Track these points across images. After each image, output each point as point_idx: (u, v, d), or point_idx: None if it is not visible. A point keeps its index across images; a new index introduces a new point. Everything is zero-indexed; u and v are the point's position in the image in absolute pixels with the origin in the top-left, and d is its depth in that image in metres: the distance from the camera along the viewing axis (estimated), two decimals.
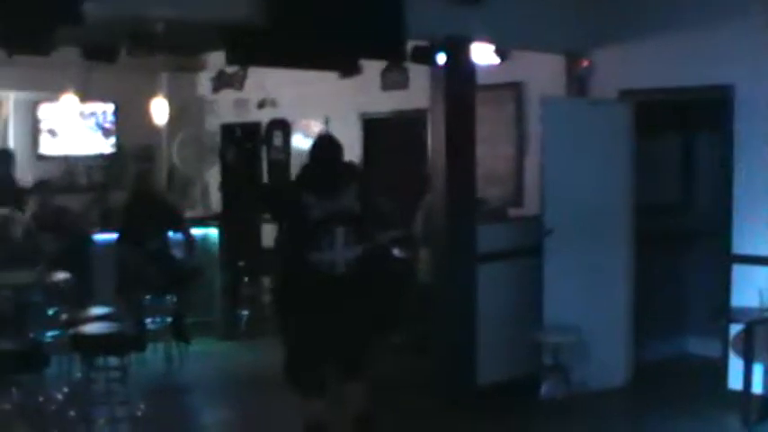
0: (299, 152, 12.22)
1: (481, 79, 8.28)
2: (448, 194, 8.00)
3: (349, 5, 6.92)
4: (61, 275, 8.10)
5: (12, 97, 12.68)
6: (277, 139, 12.69)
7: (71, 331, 7.43)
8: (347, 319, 6.42)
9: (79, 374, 7.73)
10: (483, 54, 8.27)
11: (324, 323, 6.34)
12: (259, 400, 8.24)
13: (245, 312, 11.08)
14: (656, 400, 8.13)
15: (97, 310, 8.21)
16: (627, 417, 8.06)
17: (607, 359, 8.22)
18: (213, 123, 13.58)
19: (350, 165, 8.04)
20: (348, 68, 8.13)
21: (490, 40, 8.17)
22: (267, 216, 9.74)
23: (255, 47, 6.89)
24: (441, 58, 7.79)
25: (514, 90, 9.52)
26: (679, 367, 9.21)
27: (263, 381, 6.68)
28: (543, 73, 9.24)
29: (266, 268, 10.92)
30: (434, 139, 8.19)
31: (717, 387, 8.05)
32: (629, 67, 8.62)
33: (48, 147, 12.92)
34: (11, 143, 12.71)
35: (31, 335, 8.24)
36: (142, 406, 7.55)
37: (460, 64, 7.97)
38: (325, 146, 6.73)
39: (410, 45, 7.68)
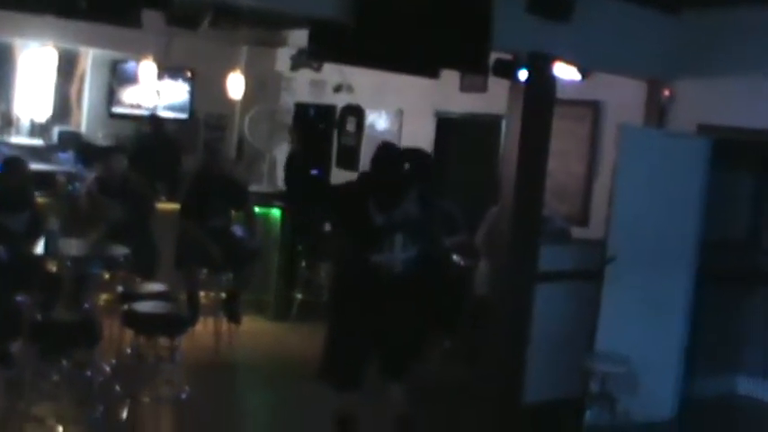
0: (372, 139, 12.29)
1: (559, 93, 8.19)
2: (515, 208, 7.92)
3: (435, 12, 6.88)
4: (121, 250, 8.09)
5: (90, 54, 12.79)
6: (350, 125, 12.72)
7: (125, 307, 7.50)
8: (396, 318, 6.48)
9: (128, 349, 7.84)
10: (564, 69, 8.19)
11: (372, 318, 6.40)
12: (301, 386, 8.24)
13: (299, 296, 11.10)
14: None
15: (152, 286, 8.28)
16: None
17: (655, 391, 8.14)
18: (288, 101, 13.64)
19: (417, 156, 8.02)
20: (428, 74, 8.08)
21: (574, 60, 8.09)
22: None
23: (338, 44, 6.89)
24: (522, 74, 7.71)
25: (592, 109, 9.44)
26: (728, 406, 9.10)
27: (308, 366, 6.70)
28: (623, 95, 9.15)
29: (324, 254, 10.96)
30: (507, 150, 8.12)
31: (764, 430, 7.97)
32: (710, 101, 8.49)
33: (121, 104, 13.03)
34: (85, 99, 12.85)
35: (86, 306, 8.33)
36: (187, 388, 7.62)
37: (541, 80, 7.88)
38: (388, 157, 6.75)
39: (492, 57, 7.63)
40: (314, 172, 12.94)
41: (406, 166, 6.96)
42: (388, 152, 6.85)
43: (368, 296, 6.37)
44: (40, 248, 7.56)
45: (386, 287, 6.38)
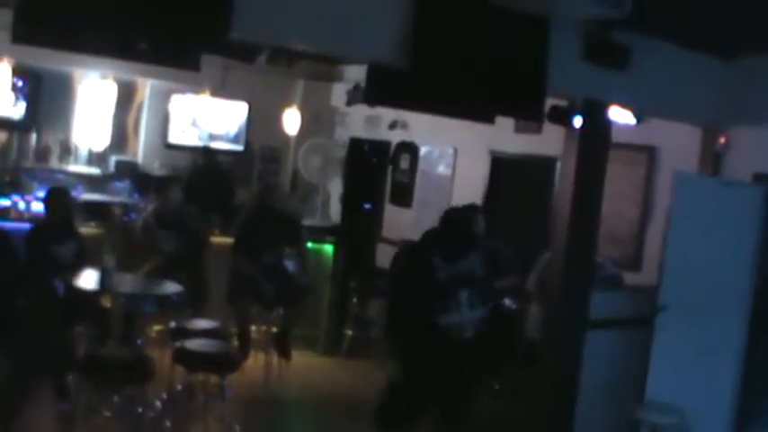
0: (426, 176, 12.33)
1: (614, 137, 8.16)
2: (568, 254, 7.92)
3: (492, 59, 6.90)
4: (173, 287, 8.15)
5: (148, 84, 12.95)
6: (404, 161, 12.74)
7: (176, 344, 7.57)
8: (461, 376, 6.50)
9: (179, 386, 7.91)
10: (620, 114, 8.18)
11: (438, 378, 6.41)
12: (350, 424, 8.26)
13: (350, 332, 11.13)
14: None
15: (204, 323, 8.35)
16: None
17: None
18: (342, 135, 13.69)
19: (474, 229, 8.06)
20: (483, 119, 8.11)
21: (629, 106, 8.07)
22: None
23: (394, 88, 6.92)
24: (577, 121, 7.72)
25: (647, 153, 9.39)
26: None
27: (359, 404, 6.72)
28: (679, 140, 9.10)
29: (376, 291, 10.99)
30: (561, 195, 8.11)
31: None
32: (766, 150, 8.42)
33: (177, 137, 13.16)
34: (142, 130, 13.01)
35: (138, 342, 8.42)
36: (237, 426, 7.66)
37: (596, 126, 7.89)
38: (460, 214, 6.80)
39: (548, 103, 7.64)
40: (367, 206, 13.00)
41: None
42: (459, 210, 6.93)
43: (436, 359, 6.37)
44: (94, 283, 7.64)
45: (458, 353, 6.39)
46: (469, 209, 9.32)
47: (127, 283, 8.03)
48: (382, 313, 10.17)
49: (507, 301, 9.06)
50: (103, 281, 7.56)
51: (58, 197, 8.65)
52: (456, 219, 6.77)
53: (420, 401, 6.43)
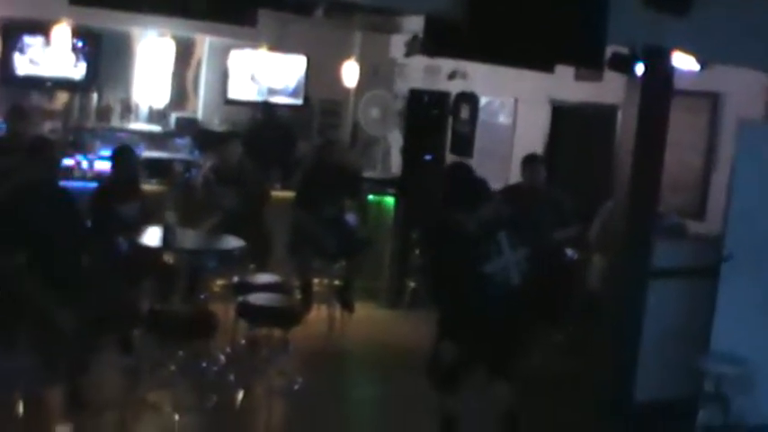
0: (486, 126, 12.27)
1: (677, 84, 8.04)
2: (630, 203, 7.85)
3: (550, 6, 6.81)
4: (235, 242, 8.16)
5: (206, 41, 12.98)
6: (464, 112, 12.68)
7: (239, 299, 7.61)
8: (510, 326, 6.46)
9: (243, 340, 7.99)
10: (682, 60, 8.04)
11: (486, 330, 6.37)
12: (412, 376, 8.20)
13: (412, 283, 11.11)
14: None
15: (266, 277, 8.38)
16: None
17: None
18: (402, 87, 13.64)
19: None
20: (542, 68, 8.02)
21: (691, 52, 7.93)
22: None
23: (452, 39, 6.87)
24: (638, 69, 7.61)
25: (710, 100, 9.25)
26: None
27: (421, 356, 6.71)
28: (743, 87, 8.91)
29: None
30: (623, 144, 8.03)
31: None
32: None
33: (236, 91, 13.19)
34: (201, 86, 13.06)
35: (202, 297, 8.49)
36: (300, 379, 7.72)
37: (658, 73, 7.77)
38: (461, 167, 6.82)
39: (608, 50, 7.53)
40: (427, 157, 12.95)
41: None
42: (460, 164, 6.92)
43: (483, 310, 6.33)
44: (157, 240, 7.70)
45: (502, 299, 6.34)
46: (532, 158, 9.30)
47: (189, 239, 8.07)
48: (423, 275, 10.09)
49: (569, 252, 9.01)
50: (166, 238, 7.61)
51: (123, 156, 8.67)
52: (455, 172, 6.76)
53: (467, 357, 6.39)
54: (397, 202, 11.34)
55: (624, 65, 7.69)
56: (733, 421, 7.71)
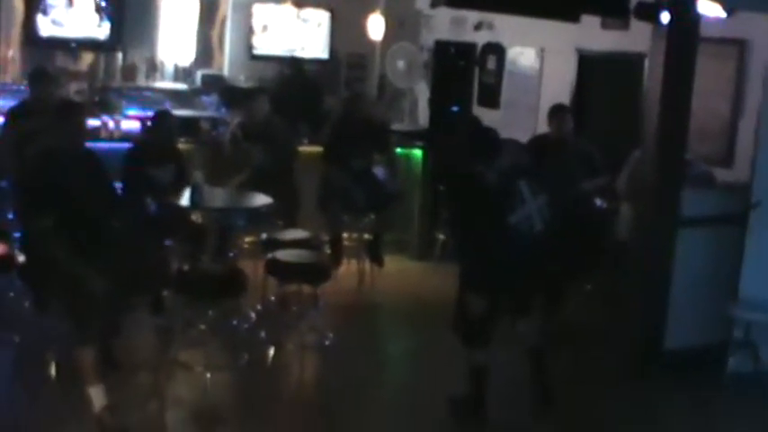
0: (513, 76, 12.22)
1: (703, 31, 7.95)
2: (658, 152, 7.81)
3: None
4: (263, 200, 8.11)
5: None
6: (491, 63, 12.64)
7: (268, 255, 7.66)
8: (535, 275, 6.51)
9: (273, 297, 8.04)
10: (709, 7, 7.97)
11: (512, 280, 6.42)
12: (443, 329, 8.26)
13: (442, 236, 11.11)
14: None
15: (295, 233, 8.42)
16: None
17: None
18: (428, 39, 13.59)
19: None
20: (568, 18, 7.98)
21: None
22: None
23: None
24: (664, 17, 7.54)
25: (737, 47, 9.16)
26: None
27: (449, 308, 6.76)
28: None
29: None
30: (650, 93, 7.97)
31: None
32: None
33: (262, 47, 13.18)
34: (227, 43, 13.06)
35: (231, 255, 8.54)
36: (330, 334, 7.78)
37: (684, 21, 7.70)
38: (471, 121, 6.80)
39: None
40: (454, 109, 12.92)
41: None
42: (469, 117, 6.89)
43: (510, 260, 6.36)
44: (185, 200, 7.73)
45: (528, 247, 6.37)
46: (559, 109, 9.26)
47: (217, 197, 8.09)
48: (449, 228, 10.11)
49: (598, 202, 8.99)
50: (194, 197, 7.63)
51: (162, 119, 8.70)
52: (465, 126, 6.76)
53: (494, 309, 6.44)
54: (425, 154, 11.31)
55: (650, 13, 7.63)
56: (762, 368, 7.73)
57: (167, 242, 8.15)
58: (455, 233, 7.27)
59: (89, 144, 7.06)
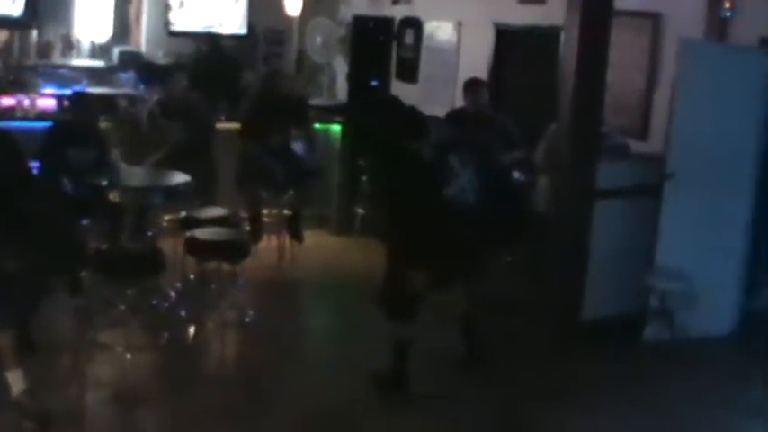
0: (430, 50, 12.23)
1: (618, 4, 8.04)
2: (573, 124, 7.88)
3: None
4: (181, 178, 8.11)
5: None
6: (408, 37, 12.65)
7: (187, 234, 7.62)
8: (465, 246, 6.58)
9: (192, 275, 8.00)
10: None
11: (453, 254, 6.49)
12: (363, 304, 8.18)
13: (361, 210, 11.14)
14: (760, 350, 8.02)
15: (214, 211, 8.38)
16: (730, 364, 7.88)
17: (714, 307, 8.07)
18: (346, 13, 13.56)
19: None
20: None
21: None
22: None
23: None
24: None
25: (652, 20, 9.25)
26: None
27: (373, 283, 6.78)
28: (684, 7, 8.93)
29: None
30: (565, 64, 8.03)
31: None
32: None
33: (179, 23, 13.06)
34: (144, 19, 12.91)
35: (150, 234, 8.47)
36: (251, 311, 7.76)
37: None
38: (394, 100, 6.87)
39: None
40: (373, 83, 12.90)
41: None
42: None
43: (450, 232, 6.43)
44: (102, 179, 7.64)
45: (464, 219, 6.46)
46: (474, 82, 9.32)
47: (135, 176, 8.03)
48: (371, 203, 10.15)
49: (516, 175, 9.05)
50: (111, 176, 7.56)
51: (82, 100, 8.60)
52: (391, 105, 6.82)
53: (422, 282, 6.49)
54: (344, 129, 11.31)
55: None
56: (678, 336, 7.89)
57: (85, 222, 8.05)
58: (384, 208, 7.27)
59: (3, 123, 6.94)
